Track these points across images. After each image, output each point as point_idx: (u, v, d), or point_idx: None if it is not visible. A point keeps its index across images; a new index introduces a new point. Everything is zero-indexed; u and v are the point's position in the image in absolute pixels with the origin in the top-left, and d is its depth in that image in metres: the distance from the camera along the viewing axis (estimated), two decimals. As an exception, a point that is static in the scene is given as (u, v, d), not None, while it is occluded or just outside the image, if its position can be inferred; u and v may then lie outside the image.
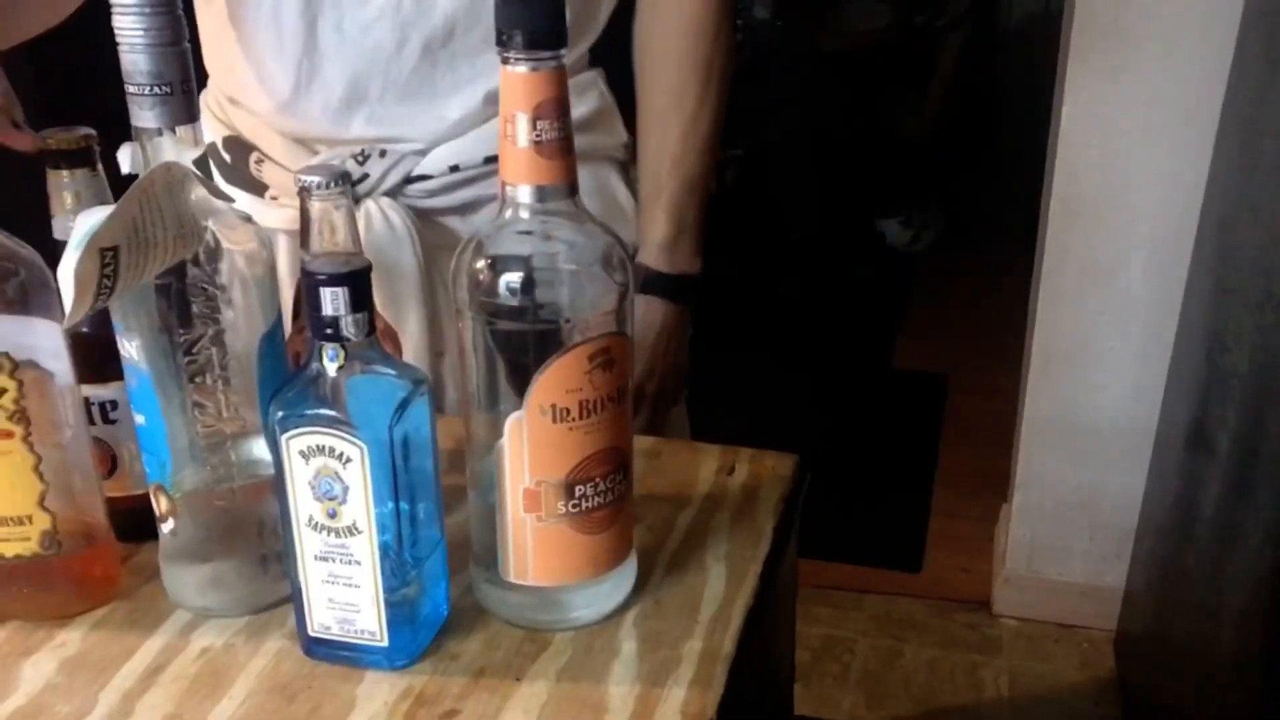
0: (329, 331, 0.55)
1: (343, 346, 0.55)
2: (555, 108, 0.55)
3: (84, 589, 0.63)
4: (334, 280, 0.54)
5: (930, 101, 3.36)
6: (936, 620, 1.95)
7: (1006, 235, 3.49)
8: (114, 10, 0.54)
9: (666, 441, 0.83)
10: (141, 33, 0.54)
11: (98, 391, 0.66)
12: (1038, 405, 1.83)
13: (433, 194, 0.85)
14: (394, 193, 0.85)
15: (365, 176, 0.84)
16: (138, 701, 0.57)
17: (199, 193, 0.57)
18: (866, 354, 2.86)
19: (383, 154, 0.84)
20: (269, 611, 0.64)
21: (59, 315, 0.57)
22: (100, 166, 0.65)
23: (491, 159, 0.85)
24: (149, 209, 0.54)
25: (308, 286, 0.54)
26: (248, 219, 0.60)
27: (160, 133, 0.57)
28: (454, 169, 0.85)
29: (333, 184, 0.64)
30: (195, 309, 0.58)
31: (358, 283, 0.54)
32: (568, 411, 0.58)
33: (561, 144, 0.56)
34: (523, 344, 0.57)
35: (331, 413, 0.55)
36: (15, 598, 0.62)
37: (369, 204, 0.84)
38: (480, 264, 0.58)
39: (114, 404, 0.66)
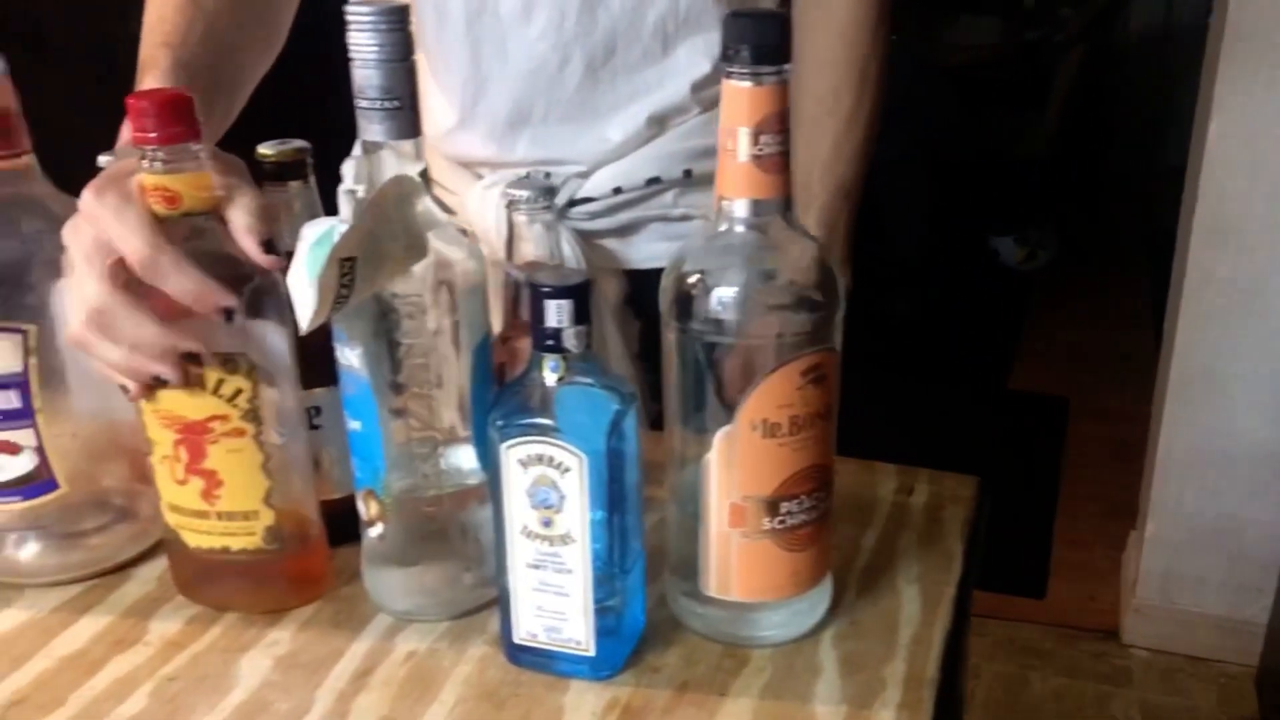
0: (550, 343, 0.56)
1: (564, 358, 0.56)
2: (777, 122, 0.55)
3: (299, 585, 0.65)
4: (559, 292, 0.55)
5: (1047, 118, 3.29)
6: (1063, 648, 1.90)
7: (1125, 254, 3.41)
8: (349, 26, 0.56)
9: (841, 460, 0.81)
10: (376, 49, 0.55)
11: (302, 399, 0.68)
12: (1174, 431, 1.78)
13: (595, 216, 0.86)
14: (559, 215, 0.86)
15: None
16: (352, 703, 0.58)
17: (424, 205, 0.58)
18: (982, 374, 2.81)
19: (548, 176, 0.85)
20: (468, 617, 0.64)
21: (288, 320, 0.58)
22: (313, 178, 0.67)
23: (653, 180, 0.86)
24: (382, 221, 0.55)
25: (532, 298, 0.55)
26: (464, 233, 0.61)
27: (383, 146, 0.58)
28: (617, 191, 0.86)
29: (540, 197, 0.65)
30: (413, 319, 0.59)
31: (581, 295, 0.55)
32: (779, 427, 0.58)
33: (781, 158, 0.56)
34: (736, 360, 0.57)
35: (551, 422, 0.56)
36: (237, 590, 0.64)
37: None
38: (694, 278, 0.58)
39: (317, 410, 0.68)
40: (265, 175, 0.65)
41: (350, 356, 0.60)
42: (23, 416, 0.63)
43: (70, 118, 1.01)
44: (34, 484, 0.65)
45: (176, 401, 0.59)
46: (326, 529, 0.70)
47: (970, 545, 0.71)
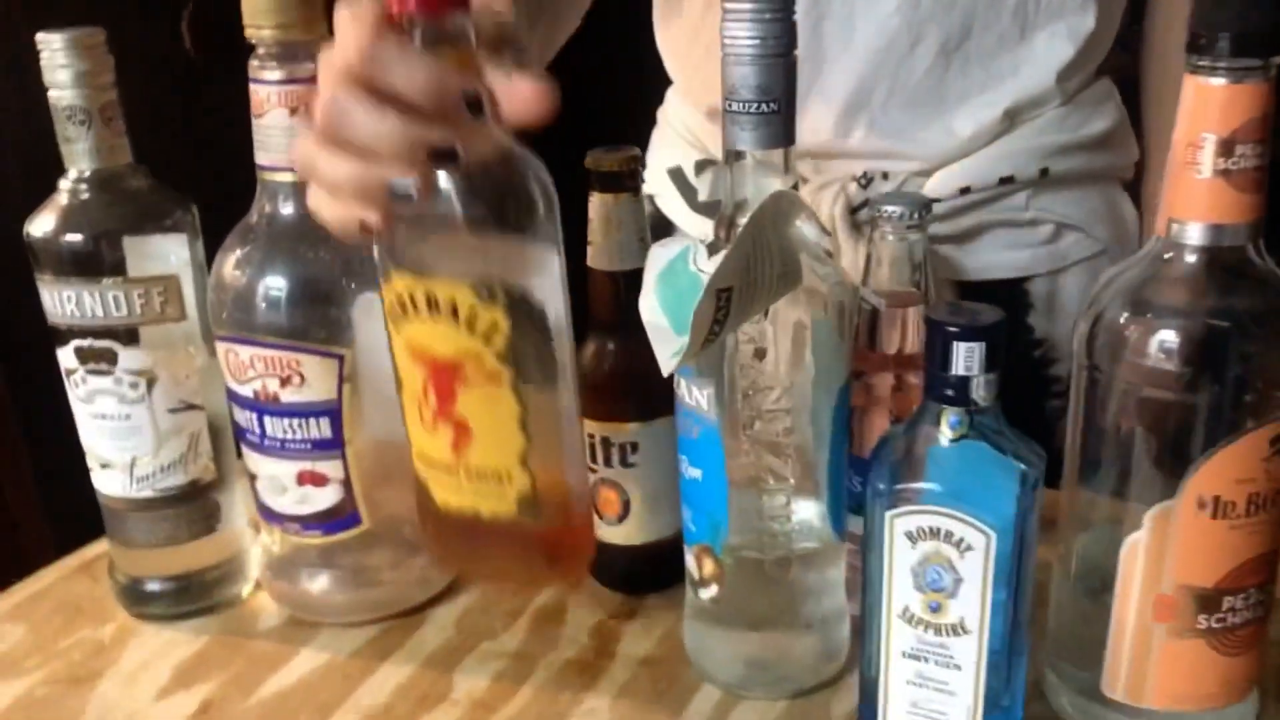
0: (952, 394, 0.46)
1: (968, 412, 0.46)
2: (1258, 129, 0.44)
3: (556, 563, 0.54)
4: (970, 334, 0.45)
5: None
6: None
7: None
8: (726, 17, 0.48)
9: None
10: (755, 42, 0.47)
11: (616, 432, 0.61)
12: None
13: (937, 220, 0.76)
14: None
15: (867, 201, 0.76)
16: (690, 795, 0.51)
17: (799, 224, 0.49)
18: None
19: (885, 176, 0.75)
20: (807, 697, 0.56)
21: (553, 246, 0.49)
22: (643, 191, 0.59)
23: (1006, 180, 0.75)
24: (758, 245, 0.47)
25: (932, 338, 0.46)
26: (829, 254, 0.52)
27: (748, 155, 0.50)
28: (964, 191, 0.75)
29: (915, 214, 0.55)
30: (768, 356, 0.51)
31: (995, 338, 0.46)
32: (1232, 506, 0.47)
33: (1258, 174, 0.45)
34: (1182, 420, 0.47)
35: (952, 491, 0.46)
36: (483, 558, 0.54)
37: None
38: (1125, 314, 0.47)
39: (634, 446, 0.61)
40: (596, 185, 0.58)
41: (699, 396, 0.52)
42: (332, 447, 0.58)
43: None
44: (338, 519, 0.60)
45: (423, 332, 0.49)
46: (629, 576, 0.64)
47: None
